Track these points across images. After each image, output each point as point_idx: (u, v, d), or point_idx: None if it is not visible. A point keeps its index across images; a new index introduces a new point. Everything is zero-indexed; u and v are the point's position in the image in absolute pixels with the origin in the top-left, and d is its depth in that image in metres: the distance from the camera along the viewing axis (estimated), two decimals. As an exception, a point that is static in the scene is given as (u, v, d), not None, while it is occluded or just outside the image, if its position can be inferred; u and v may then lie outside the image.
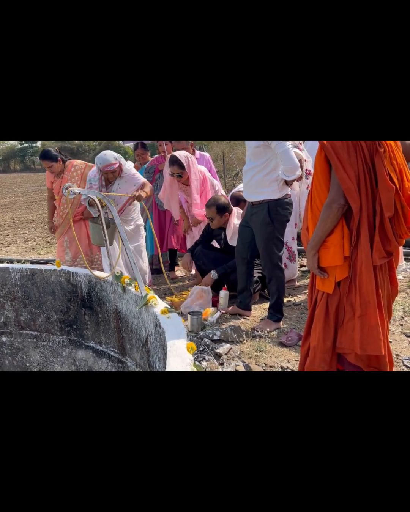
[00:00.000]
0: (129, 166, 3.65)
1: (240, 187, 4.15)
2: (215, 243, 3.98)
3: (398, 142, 1.79)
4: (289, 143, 2.75)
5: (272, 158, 2.83)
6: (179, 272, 4.75)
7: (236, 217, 3.63)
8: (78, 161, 4.06)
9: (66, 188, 2.43)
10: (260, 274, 3.55)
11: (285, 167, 2.78)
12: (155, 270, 4.68)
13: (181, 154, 3.73)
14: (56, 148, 4.06)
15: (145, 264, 3.87)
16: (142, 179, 3.69)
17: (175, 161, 3.69)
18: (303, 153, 3.87)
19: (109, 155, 3.47)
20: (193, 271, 4.54)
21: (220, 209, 3.54)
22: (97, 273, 2.70)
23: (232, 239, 3.55)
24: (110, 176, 3.50)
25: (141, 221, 3.85)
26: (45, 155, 3.89)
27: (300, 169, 2.85)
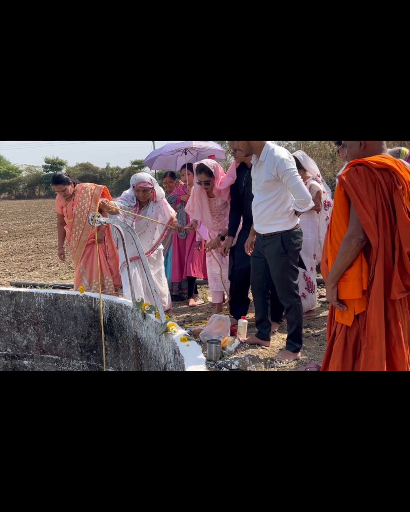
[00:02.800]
0: (163, 193, 3.79)
1: None
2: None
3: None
4: (299, 177, 2.83)
5: (283, 191, 2.91)
6: (200, 300, 4.78)
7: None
8: (88, 183, 4.17)
9: (92, 218, 2.52)
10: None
11: (298, 200, 2.86)
12: (174, 297, 4.73)
13: (208, 162, 3.70)
14: (65, 172, 4.18)
15: (165, 288, 3.96)
16: (172, 213, 3.90)
17: (203, 169, 3.64)
18: (321, 185, 3.93)
19: (146, 175, 3.61)
20: (210, 299, 4.57)
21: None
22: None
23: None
24: (141, 196, 3.59)
25: (162, 246, 3.95)
26: (58, 179, 3.98)
27: (312, 201, 2.91)
